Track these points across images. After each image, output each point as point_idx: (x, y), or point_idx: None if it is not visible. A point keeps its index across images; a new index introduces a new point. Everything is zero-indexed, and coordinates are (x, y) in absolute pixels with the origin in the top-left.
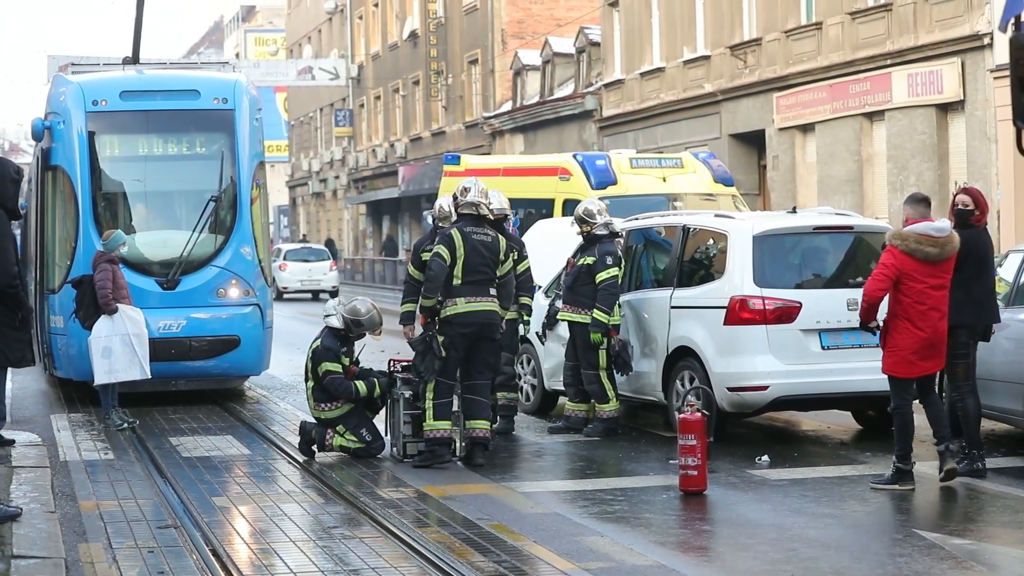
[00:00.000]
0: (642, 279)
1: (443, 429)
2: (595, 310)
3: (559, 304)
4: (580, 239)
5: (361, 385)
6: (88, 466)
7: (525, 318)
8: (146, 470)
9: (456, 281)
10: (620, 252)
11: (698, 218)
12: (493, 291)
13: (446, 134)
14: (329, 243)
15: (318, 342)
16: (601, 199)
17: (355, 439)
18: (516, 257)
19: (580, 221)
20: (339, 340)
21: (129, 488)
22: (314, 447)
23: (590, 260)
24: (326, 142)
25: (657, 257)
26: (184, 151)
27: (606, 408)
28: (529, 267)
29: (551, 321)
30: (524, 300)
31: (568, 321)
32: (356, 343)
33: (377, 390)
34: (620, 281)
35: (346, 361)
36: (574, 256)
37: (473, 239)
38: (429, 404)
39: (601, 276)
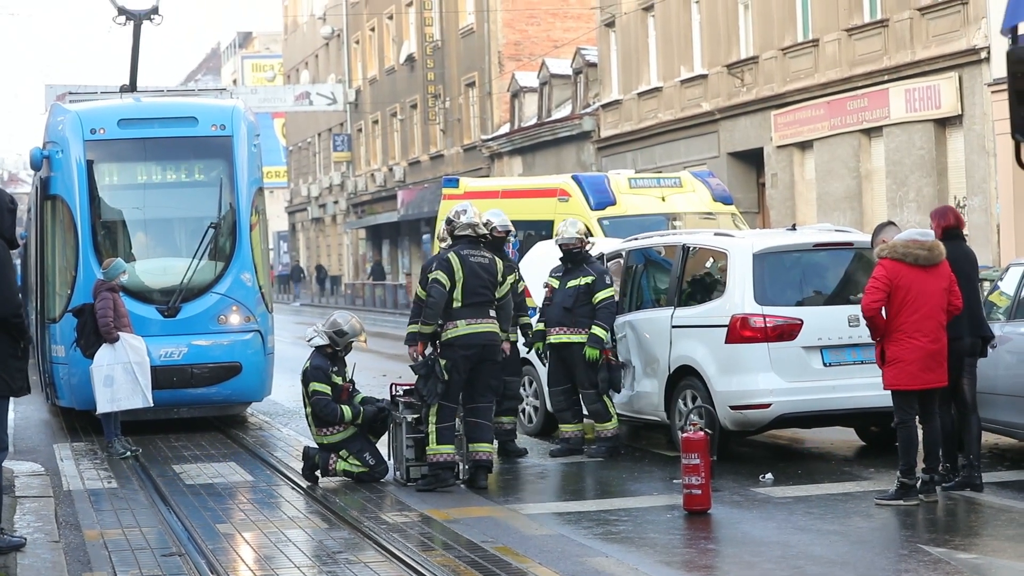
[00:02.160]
0: (642, 299)
1: (446, 453)
2: (594, 326)
3: (538, 327)
4: (555, 261)
5: (346, 409)
6: (92, 495)
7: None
8: (150, 498)
9: (456, 304)
10: None
11: (698, 237)
12: (493, 313)
13: (444, 157)
14: (319, 268)
15: (307, 363)
16: (601, 220)
17: (358, 463)
18: (514, 279)
19: (579, 241)
20: (328, 359)
21: (133, 516)
22: (317, 472)
23: (588, 280)
24: (325, 167)
25: (657, 277)
26: (183, 178)
27: (608, 427)
28: (523, 288)
29: (530, 345)
30: (524, 320)
31: (563, 343)
32: (347, 362)
33: (360, 419)
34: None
35: (338, 380)
36: (558, 278)
37: (471, 262)
38: (432, 428)
39: (603, 295)
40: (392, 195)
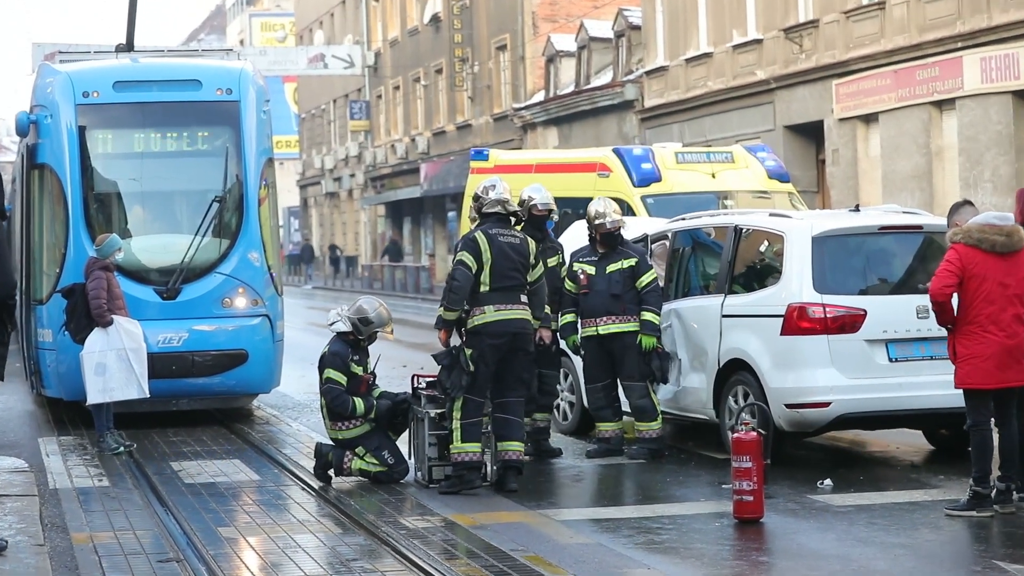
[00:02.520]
0: (690, 285)
1: (472, 452)
2: (646, 312)
3: (569, 317)
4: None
5: (359, 402)
6: (80, 494)
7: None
8: (145, 498)
9: (484, 288)
10: None
11: (751, 218)
12: (524, 298)
13: (472, 127)
14: (332, 248)
15: (326, 348)
16: (644, 197)
17: (376, 462)
18: (560, 261)
19: (620, 223)
20: (349, 346)
21: (126, 518)
22: (331, 471)
23: (631, 262)
24: (340, 137)
25: (706, 261)
26: (185, 147)
27: (653, 427)
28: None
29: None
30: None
31: (612, 334)
32: (371, 352)
33: (374, 414)
34: None
35: (358, 370)
36: (593, 263)
37: (500, 241)
38: (457, 424)
39: (647, 278)
40: (414, 168)
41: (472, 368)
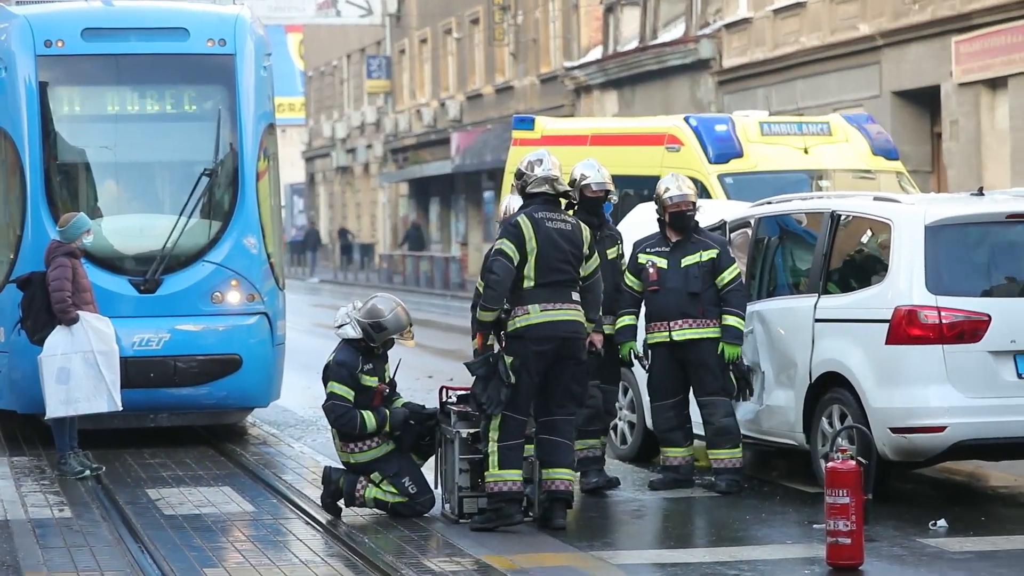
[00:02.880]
0: (776, 283)
1: (511, 480)
2: (729, 316)
3: (628, 320)
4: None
5: (368, 416)
6: (37, 526)
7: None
8: (115, 532)
9: (528, 284)
10: None
11: (851, 202)
12: (576, 296)
13: (515, 90)
14: (342, 233)
15: (331, 357)
16: (722, 176)
17: (395, 491)
18: (619, 253)
19: (690, 203)
20: (359, 354)
21: (92, 556)
22: (341, 502)
23: (712, 254)
24: (355, 100)
25: (796, 254)
26: (168, 109)
27: (735, 454)
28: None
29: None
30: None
31: (689, 340)
32: (389, 358)
33: (387, 425)
34: None
35: (370, 382)
36: (664, 255)
37: (547, 227)
38: (493, 447)
39: (730, 274)
40: (444, 139)
41: (513, 380)
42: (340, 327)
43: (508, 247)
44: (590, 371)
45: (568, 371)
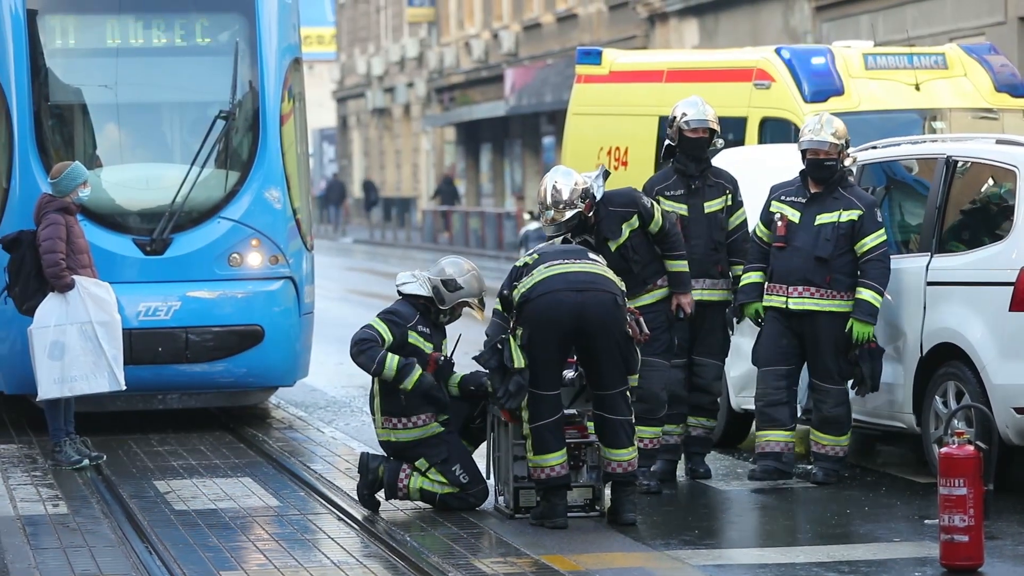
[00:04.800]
0: None
1: (549, 466)
2: (864, 289)
3: (755, 277)
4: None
5: (392, 359)
6: (28, 524)
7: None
8: (118, 531)
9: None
10: None
11: (970, 145)
12: (596, 256)
13: (578, 18)
14: (367, 186)
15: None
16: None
17: (443, 481)
18: (727, 204)
19: (835, 149)
20: (417, 312)
21: (92, 558)
22: (380, 494)
23: (854, 215)
24: (394, 31)
25: (905, 207)
26: (177, 42)
27: (841, 442)
28: (744, 221)
29: (737, 311)
30: (740, 272)
31: (806, 311)
32: (447, 334)
33: (410, 383)
34: None
35: (421, 343)
36: (799, 206)
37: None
38: (527, 429)
39: (872, 240)
40: (497, 76)
41: (519, 364)
42: (402, 284)
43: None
44: (686, 342)
45: (606, 336)
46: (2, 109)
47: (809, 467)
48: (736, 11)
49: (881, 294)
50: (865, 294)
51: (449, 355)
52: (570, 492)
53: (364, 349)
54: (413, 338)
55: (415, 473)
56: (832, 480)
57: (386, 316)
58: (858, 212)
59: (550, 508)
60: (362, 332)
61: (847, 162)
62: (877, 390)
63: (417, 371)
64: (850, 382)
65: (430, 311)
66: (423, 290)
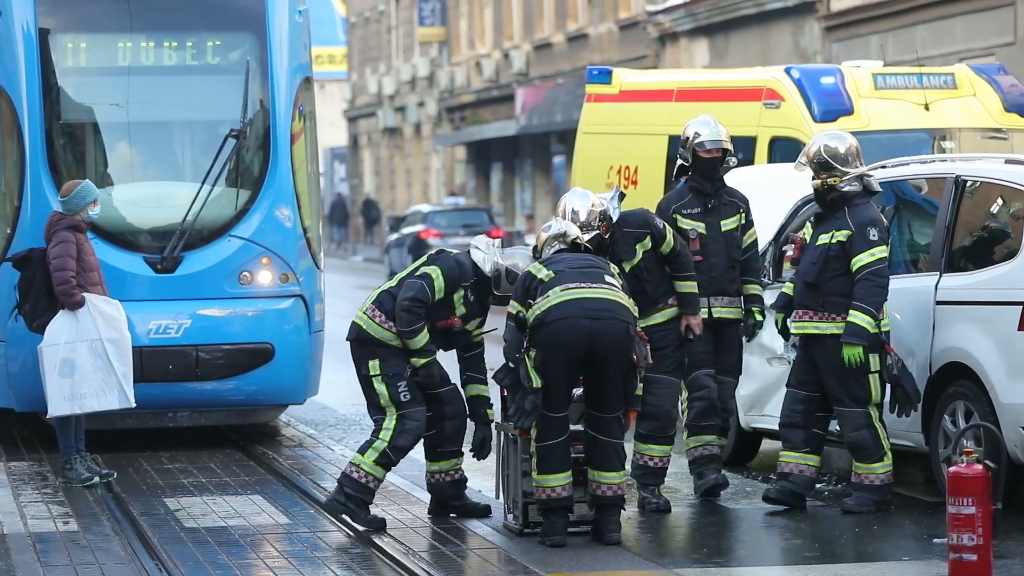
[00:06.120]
0: (891, 260)
1: (551, 487)
2: (854, 311)
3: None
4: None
5: (424, 338)
6: (38, 541)
7: (758, 318)
8: (128, 548)
9: (543, 275)
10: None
11: (979, 165)
12: (612, 280)
13: (589, 38)
14: (368, 205)
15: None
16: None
17: (388, 429)
18: (742, 222)
19: (821, 168)
20: (471, 280)
21: (102, 575)
22: (377, 509)
23: (843, 235)
24: (405, 51)
25: (914, 226)
26: (189, 60)
27: (876, 469)
28: (756, 240)
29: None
30: (752, 290)
31: (809, 335)
32: (485, 321)
33: (420, 362)
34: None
35: (458, 304)
36: (805, 228)
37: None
38: (533, 447)
39: (862, 259)
40: (508, 95)
41: (535, 384)
42: (475, 249)
43: (514, 307)
44: (706, 360)
45: (612, 364)
46: (14, 127)
47: (852, 500)
48: (746, 31)
49: (871, 314)
50: (853, 315)
51: (480, 336)
52: (576, 507)
53: (413, 309)
54: (458, 296)
55: (359, 455)
56: (863, 511)
57: (453, 264)
58: (847, 232)
59: (549, 526)
60: (418, 287)
61: (854, 184)
62: (916, 410)
63: (433, 359)
64: (887, 403)
65: (480, 282)
66: (485, 268)
